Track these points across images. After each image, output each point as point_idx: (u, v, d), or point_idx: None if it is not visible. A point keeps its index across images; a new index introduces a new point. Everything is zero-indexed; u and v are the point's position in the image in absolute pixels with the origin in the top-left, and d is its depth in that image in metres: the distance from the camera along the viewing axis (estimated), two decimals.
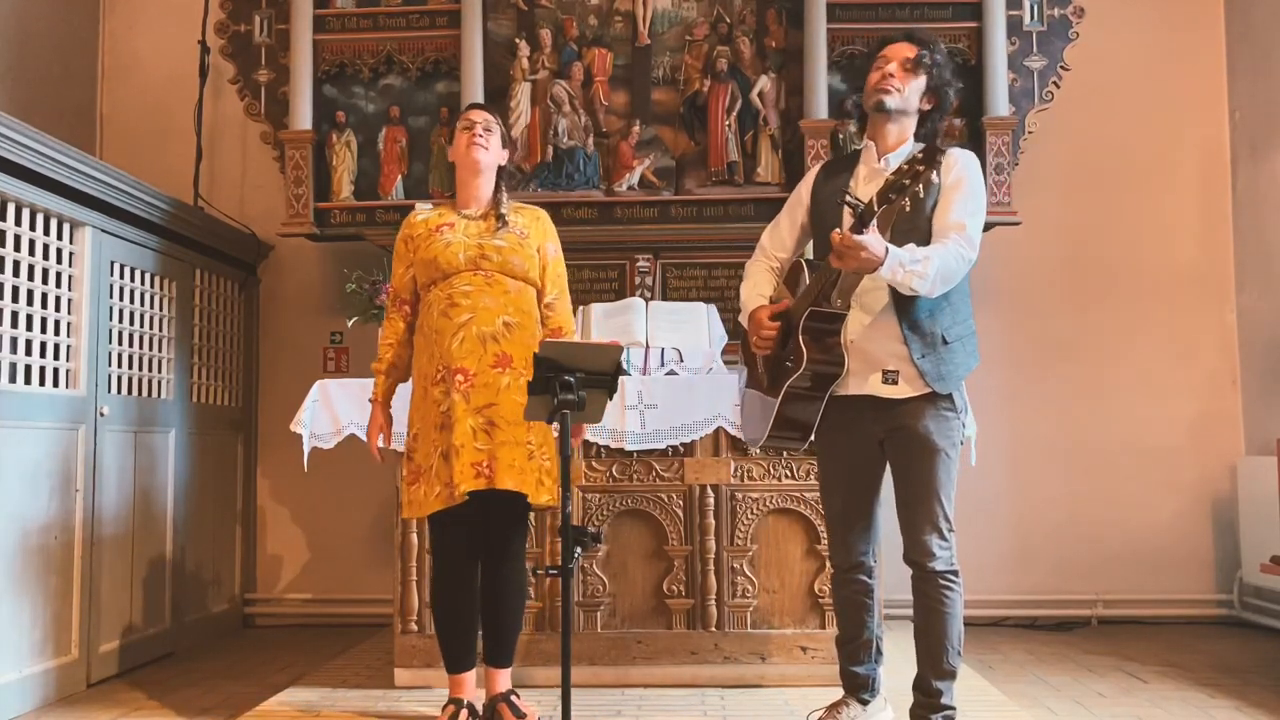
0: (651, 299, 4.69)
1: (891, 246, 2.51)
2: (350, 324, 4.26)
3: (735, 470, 3.63)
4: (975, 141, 4.82)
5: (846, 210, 2.52)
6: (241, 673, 4.19)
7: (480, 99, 4.79)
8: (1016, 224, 4.86)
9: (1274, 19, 4.99)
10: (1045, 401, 5.22)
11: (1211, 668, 4.16)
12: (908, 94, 2.74)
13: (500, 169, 3.18)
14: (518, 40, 4.94)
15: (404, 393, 3.18)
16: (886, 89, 2.73)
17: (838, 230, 2.51)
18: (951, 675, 2.76)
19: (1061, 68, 4.91)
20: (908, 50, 2.75)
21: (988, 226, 4.81)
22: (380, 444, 3.16)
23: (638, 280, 4.86)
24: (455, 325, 2.98)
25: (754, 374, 2.92)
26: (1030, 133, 4.90)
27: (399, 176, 4.94)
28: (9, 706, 3.49)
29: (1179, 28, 5.35)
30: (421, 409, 3.04)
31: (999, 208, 4.77)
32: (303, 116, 4.87)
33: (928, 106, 2.79)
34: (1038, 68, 4.91)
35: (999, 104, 4.78)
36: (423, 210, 3.22)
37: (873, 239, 2.46)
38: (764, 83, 4.89)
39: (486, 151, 3.10)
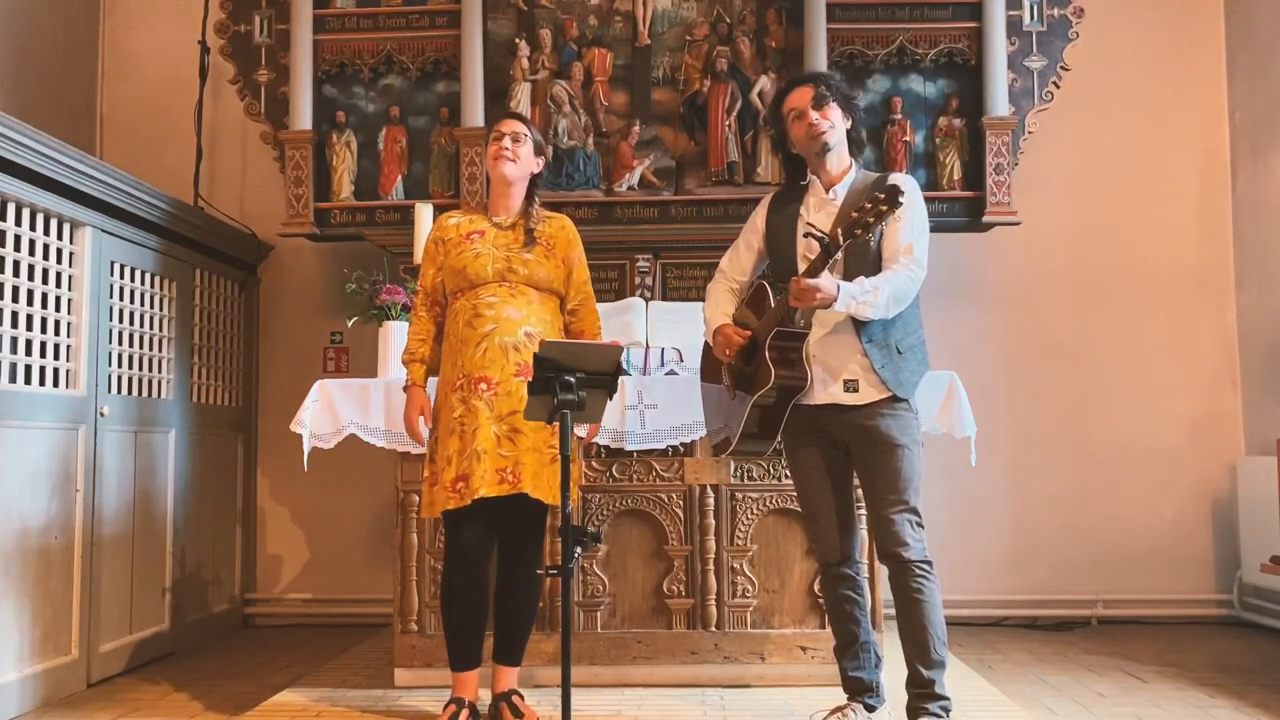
0: (651, 299, 4.69)
1: (842, 284, 2.73)
2: (350, 324, 4.25)
3: (735, 470, 3.63)
4: (975, 141, 4.83)
5: (813, 241, 2.73)
6: (241, 673, 4.19)
7: (480, 99, 4.80)
8: (1016, 224, 4.87)
9: (1274, 19, 4.99)
10: (1045, 401, 5.22)
11: (1211, 668, 4.16)
12: (836, 125, 2.93)
13: (534, 177, 3.20)
14: (518, 40, 4.94)
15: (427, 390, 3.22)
16: (821, 131, 2.90)
17: (795, 277, 2.72)
18: (941, 665, 2.82)
19: (1061, 68, 4.91)
20: (807, 92, 2.94)
21: (988, 226, 4.86)
22: (422, 427, 3.14)
23: (638, 280, 4.86)
24: (479, 335, 3.03)
25: (717, 378, 3.07)
26: (1030, 133, 4.90)
27: (399, 176, 4.94)
28: (9, 706, 3.49)
29: (1179, 28, 5.35)
30: (442, 413, 3.07)
31: (999, 207, 4.78)
32: (303, 116, 4.87)
33: (848, 125, 2.97)
34: (1038, 68, 4.91)
35: (999, 104, 4.78)
36: (455, 214, 3.25)
37: (825, 280, 2.69)
38: (764, 83, 4.88)
39: (513, 164, 3.12)
